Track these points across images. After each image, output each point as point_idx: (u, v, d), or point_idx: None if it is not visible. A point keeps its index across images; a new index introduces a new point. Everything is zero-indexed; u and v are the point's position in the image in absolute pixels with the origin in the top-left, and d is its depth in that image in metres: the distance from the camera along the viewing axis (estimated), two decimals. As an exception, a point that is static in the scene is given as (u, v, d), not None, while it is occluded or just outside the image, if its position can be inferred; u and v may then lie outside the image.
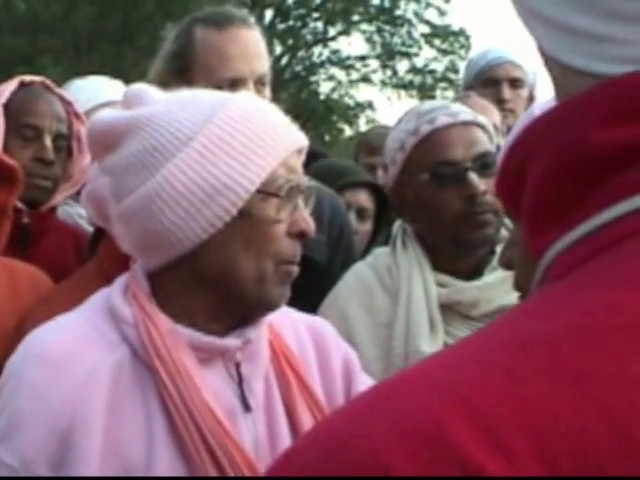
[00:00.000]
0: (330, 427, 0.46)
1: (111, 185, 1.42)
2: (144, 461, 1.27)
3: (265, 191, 1.33)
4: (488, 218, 1.91)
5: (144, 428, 1.28)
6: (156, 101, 1.41)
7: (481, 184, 1.90)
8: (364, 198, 2.94)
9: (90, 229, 2.32)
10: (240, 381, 1.38)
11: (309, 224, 1.39)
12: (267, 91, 2.24)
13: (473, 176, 1.90)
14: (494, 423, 0.41)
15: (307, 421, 1.39)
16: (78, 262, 2.21)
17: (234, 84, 2.13)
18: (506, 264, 1.44)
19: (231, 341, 1.37)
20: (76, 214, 2.57)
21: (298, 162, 1.41)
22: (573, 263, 0.49)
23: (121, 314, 1.35)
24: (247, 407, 1.36)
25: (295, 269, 1.39)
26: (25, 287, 1.95)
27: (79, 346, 1.31)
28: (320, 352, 1.51)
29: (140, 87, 1.45)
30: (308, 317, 1.60)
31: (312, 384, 1.44)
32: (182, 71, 2.23)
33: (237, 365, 1.38)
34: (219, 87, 2.00)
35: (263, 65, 2.26)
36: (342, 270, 2.17)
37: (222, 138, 1.32)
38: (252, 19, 2.33)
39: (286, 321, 1.52)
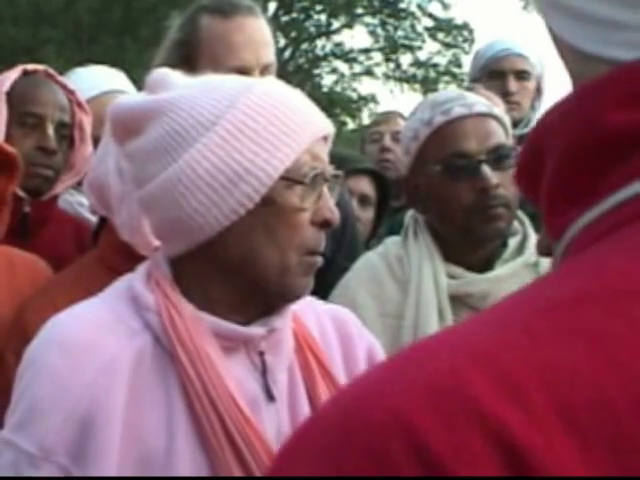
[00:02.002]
0: (352, 389, 0.47)
1: (132, 171, 1.40)
2: (164, 449, 1.25)
3: (289, 178, 1.30)
4: (500, 212, 1.90)
5: (165, 415, 1.27)
6: (179, 86, 1.38)
7: (494, 177, 1.88)
8: (366, 185, 2.95)
9: (91, 218, 2.31)
10: (264, 371, 1.35)
11: (334, 213, 1.36)
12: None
13: (486, 169, 1.88)
14: (514, 379, 0.42)
15: None
16: (78, 252, 2.20)
17: (240, 73, 2.09)
18: (545, 252, 1.43)
19: (255, 329, 1.34)
20: (76, 202, 2.55)
21: (324, 150, 1.38)
22: (596, 237, 0.51)
23: (143, 301, 1.33)
24: (271, 397, 1.34)
25: (319, 259, 1.36)
26: (24, 276, 1.94)
27: (100, 333, 1.30)
28: (344, 342, 1.49)
29: (163, 71, 1.43)
30: (331, 307, 1.58)
31: (336, 374, 1.42)
32: (187, 60, 2.21)
33: (261, 354, 1.36)
34: None
35: (269, 54, 2.24)
36: (346, 260, 2.15)
37: (246, 123, 1.29)
38: (258, 8, 2.31)
39: (309, 310, 1.50)
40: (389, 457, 0.41)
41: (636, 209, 0.49)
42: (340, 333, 1.50)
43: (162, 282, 1.34)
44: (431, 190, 1.95)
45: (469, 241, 1.94)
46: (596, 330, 0.43)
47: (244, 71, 2.13)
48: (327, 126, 1.38)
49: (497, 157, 1.91)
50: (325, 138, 1.39)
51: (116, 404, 1.24)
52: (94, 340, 1.29)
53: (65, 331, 1.31)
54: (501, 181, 1.89)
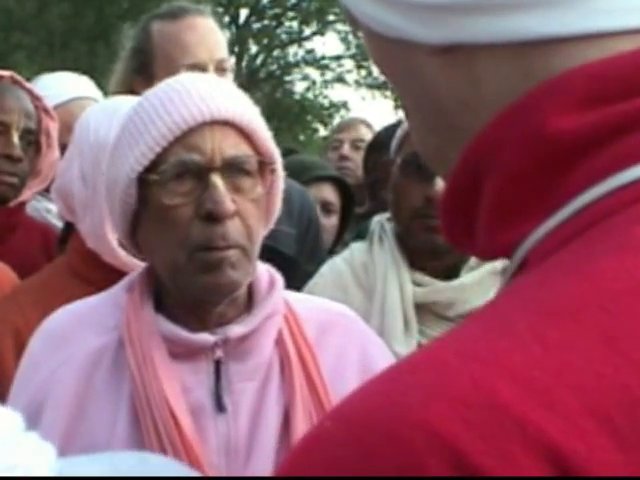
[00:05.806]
0: (357, 404, 0.43)
1: None
2: (103, 447, 1.26)
3: (145, 177, 1.29)
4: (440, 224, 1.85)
5: (110, 413, 1.29)
6: None
7: None
8: (329, 192, 2.96)
9: (58, 224, 2.31)
10: (218, 380, 1.32)
11: (218, 203, 1.26)
12: (229, 77, 2.24)
13: (439, 178, 1.86)
14: (539, 385, 0.40)
15: (303, 431, 1.26)
16: (46, 258, 2.19)
17: (195, 70, 2.12)
18: None
19: (202, 337, 1.32)
20: (44, 209, 2.54)
21: (210, 138, 1.29)
22: (559, 243, 0.50)
23: (119, 301, 1.36)
24: (221, 407, 1.31)
25: (218, 255, 1.27)
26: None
27: (74, 327, 1.36)
28: (364, 375, 1.33)
29: None
30: (369, 336, 1.48)
31: (329, 392, 1.33)
32: (143, 66, 2.27)
33: (218, 363, 1.32)
34: None
35: (222, 51, 2.28)
36: (308, 262, 2.16)
37: (126, 128, 1.33)
38: (208, 11, 2.37)
39: (340, 327, 1.43)
40: (426, 473, 0.39)
41: (597, 212, 0.49)
42: (363, 365, 1.39)
43: (138, 284, 1.37)
44: (392, 181, 1.95)
45: (413, 243, 1.92)
46: (605, 332, 0.42)
47: (198, 68, 2.17)
48: (214, 111, 1.28)
49: None
50: (226, 123, 1.30)
51: (66, 394, 1.29)
52: (68, 333, 1.35)
53: (52, 323, 1.39)
54: None
